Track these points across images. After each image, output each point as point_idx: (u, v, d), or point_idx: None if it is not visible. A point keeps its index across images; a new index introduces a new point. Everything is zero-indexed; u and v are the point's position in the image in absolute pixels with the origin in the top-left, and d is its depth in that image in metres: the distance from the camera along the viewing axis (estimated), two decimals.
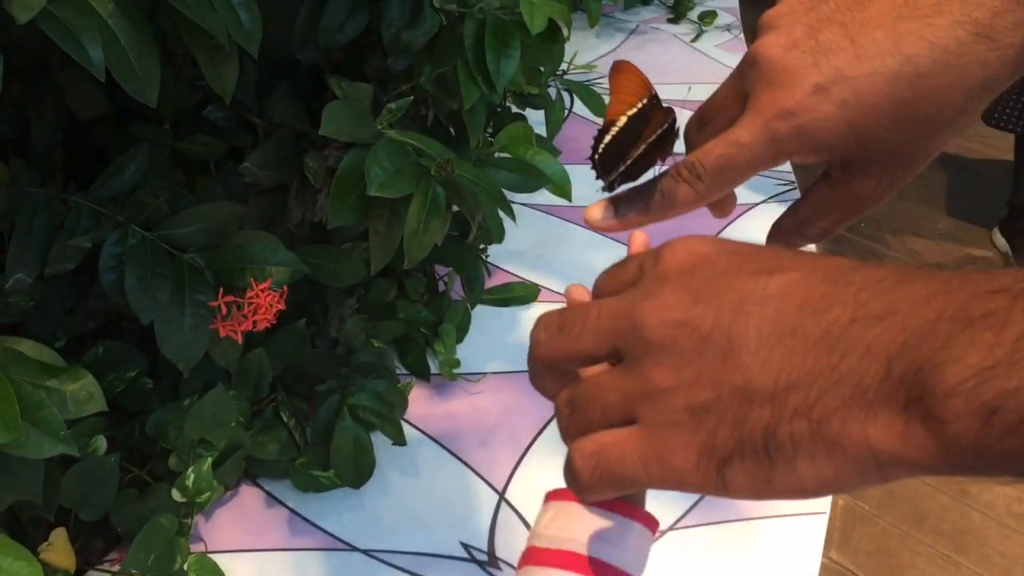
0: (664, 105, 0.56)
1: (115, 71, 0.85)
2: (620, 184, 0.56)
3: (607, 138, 0.56)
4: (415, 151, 1.06)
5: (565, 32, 1.23)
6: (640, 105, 0.56)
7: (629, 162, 0.55)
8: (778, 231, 0.53)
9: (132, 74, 0.87)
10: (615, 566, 0.51)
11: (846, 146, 0.46)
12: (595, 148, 0.56)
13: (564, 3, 1.25)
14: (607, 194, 0.58)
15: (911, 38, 0.44)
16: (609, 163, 0.56)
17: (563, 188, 1.41)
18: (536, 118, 1.76)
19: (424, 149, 1.06)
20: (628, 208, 0.55)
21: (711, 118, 0.51)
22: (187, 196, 1.19)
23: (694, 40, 2.96)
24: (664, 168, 0.55)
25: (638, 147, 0.54)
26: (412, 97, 1.14)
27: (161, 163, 1.22)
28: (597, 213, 0.56)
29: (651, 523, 0.54)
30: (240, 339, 1.08)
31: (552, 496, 0.55)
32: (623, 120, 0.56)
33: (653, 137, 0.55)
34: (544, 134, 1.84)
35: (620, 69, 0.56)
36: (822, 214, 0.50)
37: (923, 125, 0.45)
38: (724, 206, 0.57)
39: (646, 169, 0.56)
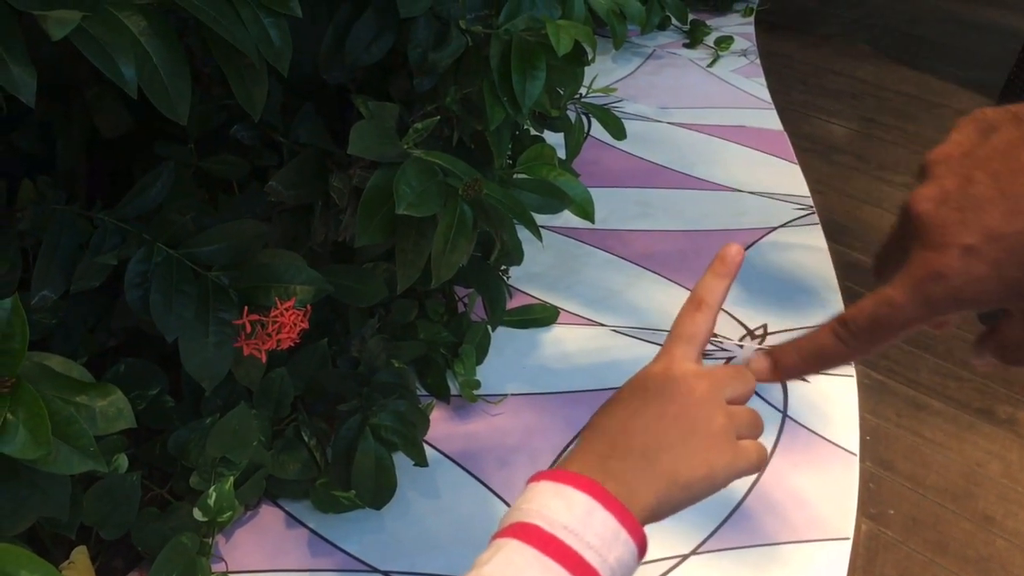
0: None
1: (147, 89, 0.85)
2: None
3: None
4: (442, 171, 1.06)
5: (590, 54, 1.23)
6: None
7: None
8: (979, 353, 0.52)
9: (164, 92, 0.87)
10: (558, 537, 0.49)
11: (1009, 300, 0.45)
12: None
13: (589, 26, 1.26)
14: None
15: None
16: None
17: (586, 209, 1.41)
18: (555, 140, 1.76)
19: (451, 169, 1.06)
20: (788, 359, 0.58)
21: (886, 258, 0.52)
22: (212, 215, 1.19)
23: (710, 65, 2.96)
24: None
25: None
26: (438, 117, 1.14)
27: (186, 181, 1.22)
28: (761, 365, 0.59)
29: (631, 524, 0.51)
30: (264, 358, 1.08)
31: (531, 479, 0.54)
32: None
33: None
34: (563, 157, 1.84)
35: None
36: (1013, 348, 0.49)
37: None
38: (939, 324, 0.57)
39: None
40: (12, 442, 0.72)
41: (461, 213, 1.03)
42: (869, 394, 1.67)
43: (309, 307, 1.09)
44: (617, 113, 2.05)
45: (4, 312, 0.75)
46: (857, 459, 1.52)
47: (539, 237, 1.17)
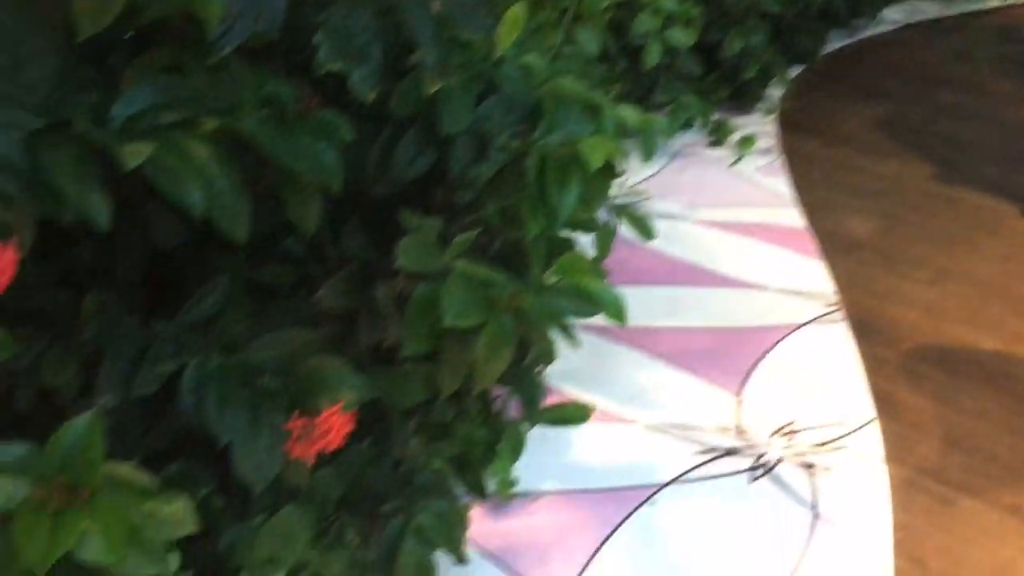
0: None
1: (212, 212, 0.92)
2: None
3: None
4: (484, 283, 1.11)
5: (620, 168, 1.30)
6: None
7: None
8: None
9: (226, 214, 0.93)
10: None
11: None
12: None
13: (619, 141, 1.32)
14: None
15: None
16: None
17: (618, 314, 1.46)
18: (585, 239, 1.82)
19: (492, 280, 1.12)
20: None
21: None
22: (262, 322, 1.25)
23: (734, 163, 3.03)
24: None
25: None
26: (479, 229, 1.20)
27: (238, 291, 1.28)
28: None
29: None
30: (313, 460, 1.12)
31: None
32: None
33: None
34: (593, 256, 1.89)
35: None
36: None
37: None
38: None
39: None
40: (88, 548, 0.77)
41: (503, 323, 1.09)
42: (899, 491, 1.69)
43: (356, 409, 1.14)
44: (644, 212, 2.11)
45: (83, 426, 0.81)
46: (891, 556, 1.54)
47: (575, 345, 1.22)
